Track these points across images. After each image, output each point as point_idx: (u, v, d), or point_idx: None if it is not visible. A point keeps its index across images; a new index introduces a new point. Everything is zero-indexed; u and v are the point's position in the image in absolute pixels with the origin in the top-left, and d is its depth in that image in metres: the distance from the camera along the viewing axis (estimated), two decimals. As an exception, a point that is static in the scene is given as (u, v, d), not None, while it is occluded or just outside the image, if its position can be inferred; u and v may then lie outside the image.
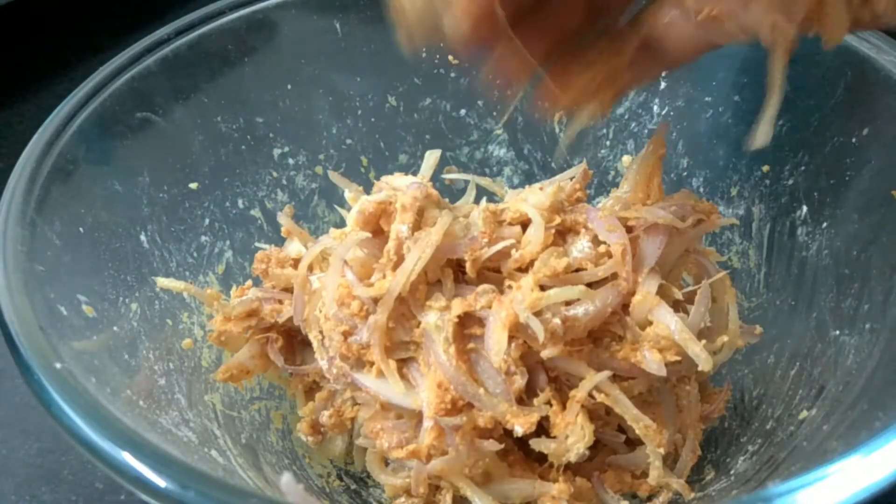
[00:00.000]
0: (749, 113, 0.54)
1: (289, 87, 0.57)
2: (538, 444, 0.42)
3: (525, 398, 0.42)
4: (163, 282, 0.47)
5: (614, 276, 0.42)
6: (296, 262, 0.50)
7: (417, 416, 0.42)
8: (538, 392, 0.42)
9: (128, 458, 0.30)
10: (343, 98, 0.59)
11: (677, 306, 0.43)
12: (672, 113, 0.58)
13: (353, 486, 0.49)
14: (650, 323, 0.41)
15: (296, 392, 0.51)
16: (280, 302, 0.48)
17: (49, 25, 0.97)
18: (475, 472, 0.42)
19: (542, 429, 0.43)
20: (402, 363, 0.43)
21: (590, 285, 0.42)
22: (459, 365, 0.40)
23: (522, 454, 0.45)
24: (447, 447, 0.41)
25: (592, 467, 0.45)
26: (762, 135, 0.35)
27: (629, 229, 0.43)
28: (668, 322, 0.40)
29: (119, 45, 0.50)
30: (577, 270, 0.43)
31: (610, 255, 0.42)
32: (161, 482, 0.29)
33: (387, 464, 0.47)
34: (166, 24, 0.52)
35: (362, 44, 0.58)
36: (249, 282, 0.52)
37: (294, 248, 0.53)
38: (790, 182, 0.51)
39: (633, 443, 0.44)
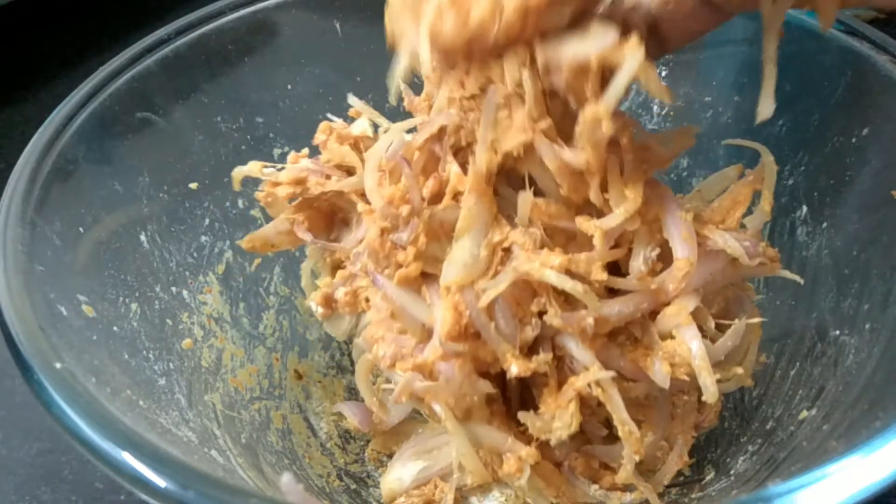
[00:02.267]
0: (749, 113, 0.54)
1: (289, 87, 0.57)
2: (525, 418, 0.41)
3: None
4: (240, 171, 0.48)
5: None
6: (356, 141, 0.49)
7: (420, 336, 0.42)
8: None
9: (128, 458, 0.30)
10: (343, 98, 0.59)
11: (704, 335, 0.42)
12: (672, 113, 0.58)
13: (353, 486, 0.49)
14: (672, 337, 0.40)
15: (322, 265, 0.51)
16: (328, 177, 0.47)
17: (49, 25, 0.97)
18: (459, 407, 0.41)
19: (531, 400, 0.44)
20: (425, 280, 0.42)
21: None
22: (479, 293, 0.39)
23: (505, 409, 0.45)
24: (440, 373, 0.40)
25: (567, 448, 0.45)
26: (765, 108, 0.36)
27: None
28: (690, 344, 0.39)
29: (119, 44, 0.50)
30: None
31: (663, 268, 0.41)
32: (161, 482, 0.29)
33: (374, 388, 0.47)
34: (166, 23, 0.52)
35: (362, 44, 0.58)
36: (305, 150, 0.50)
37: (359, 126, 0.51)
38: (790, 182, 0.51)
39: (614, 437, 0.44)
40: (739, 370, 0.43)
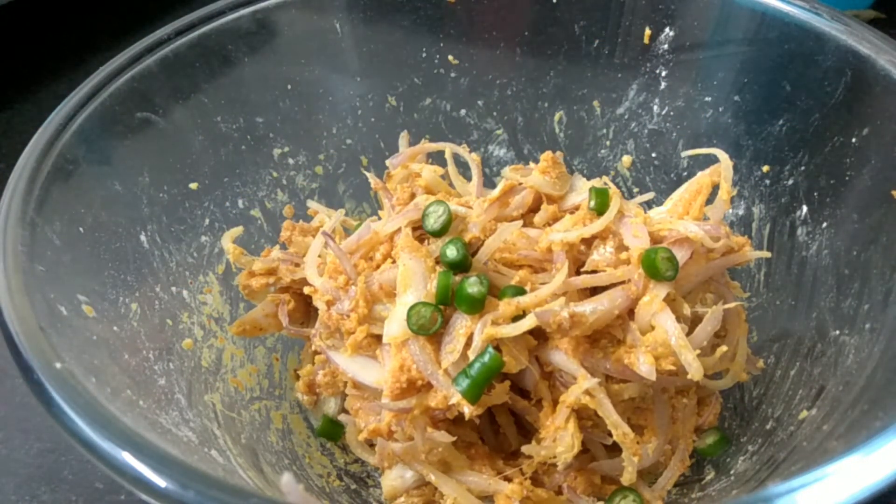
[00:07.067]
0: (749, 113, 0.54)
1: (289, 87, 0.57)
2: (529, 450, 0.42)
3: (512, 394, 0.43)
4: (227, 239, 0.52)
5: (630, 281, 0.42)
6: (317, 232, 0.52)
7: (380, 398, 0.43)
8: (528, 388, 0.43)
9: (128, 458, 0.30)
10: (343, 98, 0.59)
11: (685, 323, 0.42)
12: (672, 113, 0.58)
13: (353, 486, 0.49)
14: (652, 328, 0.41)
15: (304, 355, 0.54)
16: (297, 265, 0.51)
17: (49, 25, 0.97)
18: (432, 460, 0.43)
19: (527, 426, 0.44)
20: (377, 343, 0.44)
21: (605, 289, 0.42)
22: (425, 345, 0.41)
23: (487, 448, 0.46)
24: (399, 429, 0.42)
25: (567, 469, 0.45)
26: None
27: (660, 240, 0.43)
28: (667, 327, 0.40)
29: (119, 44, 0.50)
30: (595, 272, 0.43)
31: (629, 262, 0.42)
32: (161, 482, 0.29)
33: (372, 444, 0.48)
34: (166, 23, 0.52)
35: (362, 44, 0.58)
36: (277, 246, 0.54)
37: (318, 221, 0.56)
38: (790, 182, 0.51)
39: (618, 448, 0.45)
40: (724, 348, 0.43)
